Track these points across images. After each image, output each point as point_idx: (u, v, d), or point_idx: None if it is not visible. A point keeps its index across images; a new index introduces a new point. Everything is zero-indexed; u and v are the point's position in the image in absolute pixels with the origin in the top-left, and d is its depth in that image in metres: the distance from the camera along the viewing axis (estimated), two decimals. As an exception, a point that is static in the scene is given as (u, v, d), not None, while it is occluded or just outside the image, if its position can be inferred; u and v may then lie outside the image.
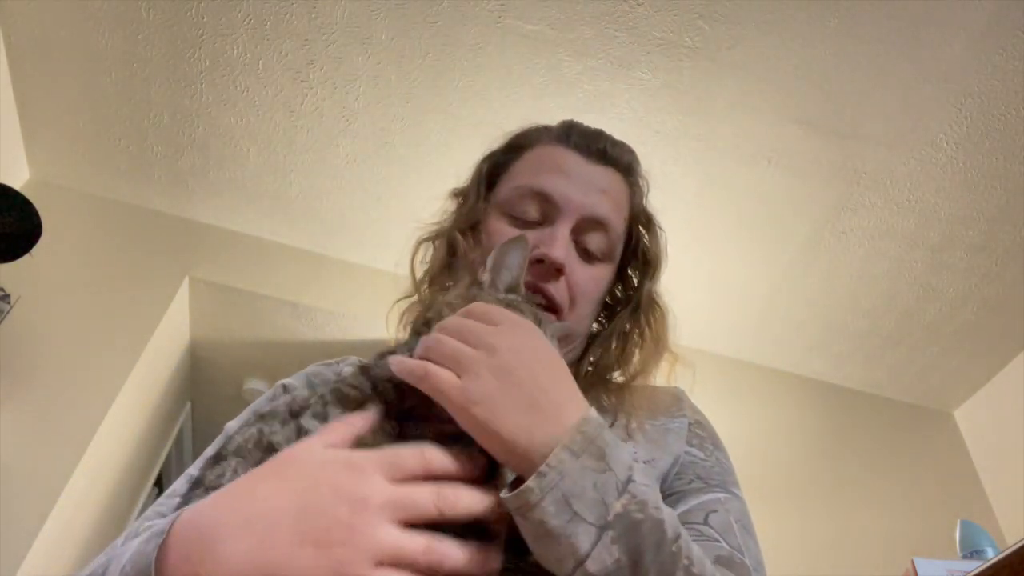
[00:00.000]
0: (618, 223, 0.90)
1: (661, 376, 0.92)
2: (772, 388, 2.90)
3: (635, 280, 0.96)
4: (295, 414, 0.62)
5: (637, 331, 0.91)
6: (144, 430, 2.69)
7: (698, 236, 2.54)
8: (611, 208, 0.89)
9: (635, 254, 0.96)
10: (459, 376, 0.57)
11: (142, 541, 0.54)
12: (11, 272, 2.16)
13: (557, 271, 0.82)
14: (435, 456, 0.58)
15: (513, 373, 0.58)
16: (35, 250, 2.08)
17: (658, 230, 0.98)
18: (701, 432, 0.85)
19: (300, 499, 0.53)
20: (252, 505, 0.53)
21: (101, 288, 2.45)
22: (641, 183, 0.98)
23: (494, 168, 0.96)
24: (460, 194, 0.97)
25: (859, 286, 2.62)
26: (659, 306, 0.93)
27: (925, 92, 2.08)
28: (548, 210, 0.86)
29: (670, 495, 0.76)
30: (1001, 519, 2.64)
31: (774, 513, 2.37)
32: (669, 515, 0.58)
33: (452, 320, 0.62)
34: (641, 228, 0.97)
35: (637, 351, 0.90)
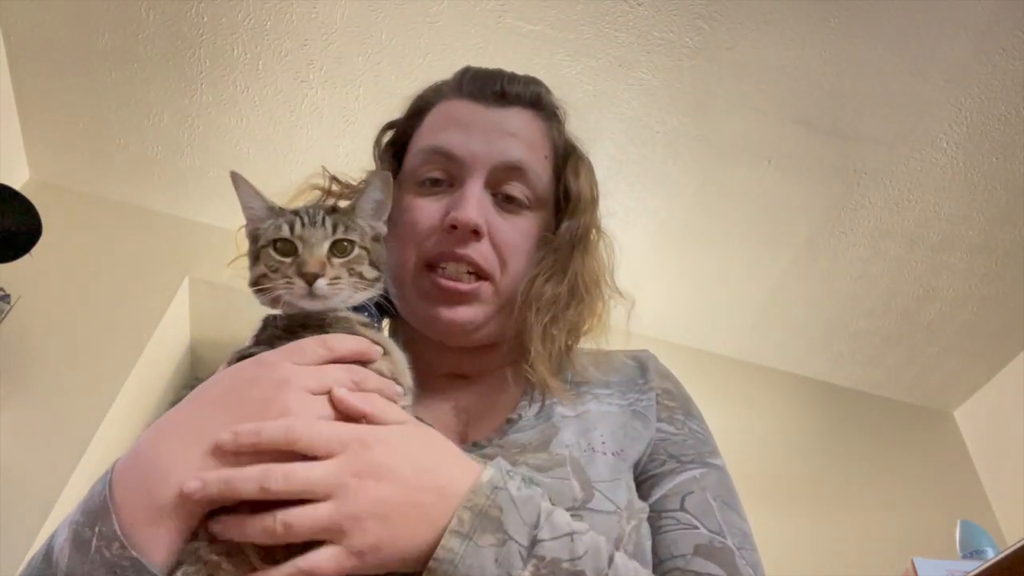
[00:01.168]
0: (537, 164, 0.82)
1: (600, 321, 0.84)
2: (772, 388, 2.90)
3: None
4: None
5: (561, 273, 0.80)
6: (144, 430, 2.69)
7: (698, 236, 2.54)
8: (524, 150, 0.82)
9: (563, 194, 0.86)
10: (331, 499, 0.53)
11: (88, 490, 0.57)
12: (11, 272, 2.15)
13: (474, 233, 0.76)
14: (337, 339, 0.62)
15: (384, 502, 0.53)
16: (35, 250, 2.08)
17: (579, 160, 0.88)
18: (670, 402, 0.81)
19: (225, 399, 0.57)
20: (183, 421, 0.57)
21: (101, 288, 2.45)
22: (558, 113, 0.90)
23: (399, 137, 0.90)
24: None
25: (859, 286, 2.62)
26: (587, 242, 0.83)
27: (925, 92, 2.08)
28: (455, 170, 0.80)
29: (645, 480, 0.73)
30: (1001, 519, 2.64)
31: (774, 513, 2.37)
32: (591, 558, 0.55)
33: (315, 432, 0.55)
34: (565, 162, 0.87)
35: (561, 293, 0.79)
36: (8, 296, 2.22)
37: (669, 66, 2.10)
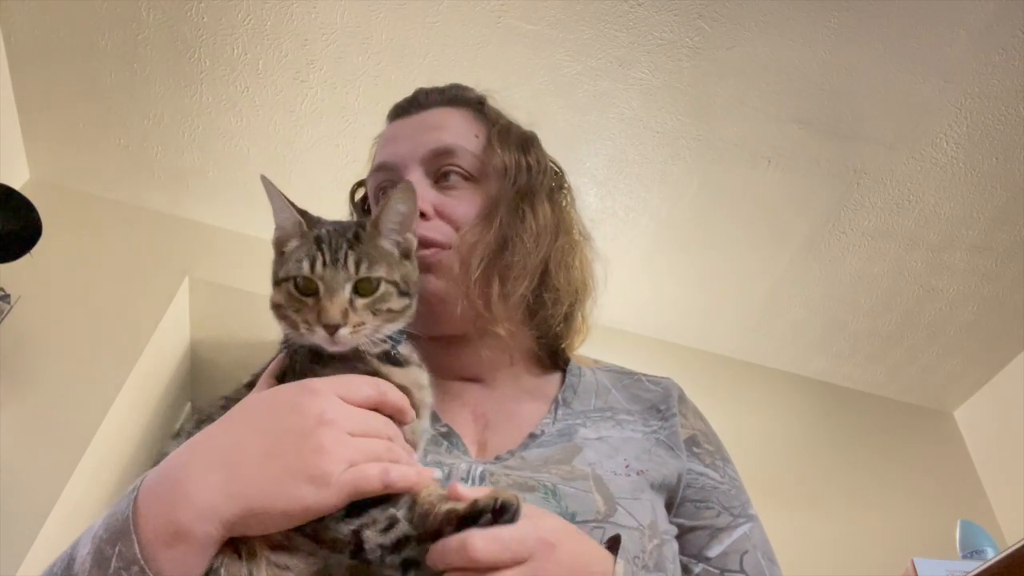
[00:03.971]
0: (467, 143, 0.87)
1: (563, 268, 0.86)
2: (772, 388, 2.90)
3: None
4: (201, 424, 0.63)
5: (486, 224, 0.83)
6: (144, 430, 2.69)
7: (698, 236, 2.54)
8: (451, 135, 0.87)
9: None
10: None
11: (113, 505, 0.56)
12: (11, 272, 2.15)
13: (421, 216, 0.80)
14: (389, 387, 0.62)
15: None
16: (35, 250, 2.08)
17: (497, 132, 0.91)
18: (709, 447, 0.84)
19: (262, 424, 0.56)
20: (215, 442, 0.56)
21: (101, 288, 2.45)
22: (478, 102, 0.95)
23: (367, 189, 0.96)
24: None
25: (859, 286, 2.62)
26: (513, 199, 0.86)
27: (925, 92, 2.08)
28: (394, 176, 0.86)
29: (700, 528, 0.77)
30: (1001, 519, 2.64)
31: (773, 513, 2.36)
32: None
33: None
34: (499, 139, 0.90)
35: (487, 240, 0.81)
36: (8, 296, 2.22)
37: (669, 66, 2.10)
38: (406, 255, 0.71)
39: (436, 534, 0.54)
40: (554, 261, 0.86)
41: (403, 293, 0.67)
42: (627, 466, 0.75)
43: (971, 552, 1.68)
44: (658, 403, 0.85)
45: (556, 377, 0.89)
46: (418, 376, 0.68)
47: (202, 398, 3.17)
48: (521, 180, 0.87)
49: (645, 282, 2.61)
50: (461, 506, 0.54)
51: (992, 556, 1.11)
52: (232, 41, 2.18)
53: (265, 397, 0.60)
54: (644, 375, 0.91)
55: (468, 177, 0.86)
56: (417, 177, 0.83)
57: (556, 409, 0.82)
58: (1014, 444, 2.65)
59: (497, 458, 0.75)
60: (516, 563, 0.53)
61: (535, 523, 0.56)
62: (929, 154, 2.23)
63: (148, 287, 2.51)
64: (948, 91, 2.07)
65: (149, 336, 2.41)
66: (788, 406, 2.88)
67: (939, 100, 2.10)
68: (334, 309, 0.62)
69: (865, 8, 1.92)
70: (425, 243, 0.79)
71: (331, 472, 0.53)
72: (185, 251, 2.62)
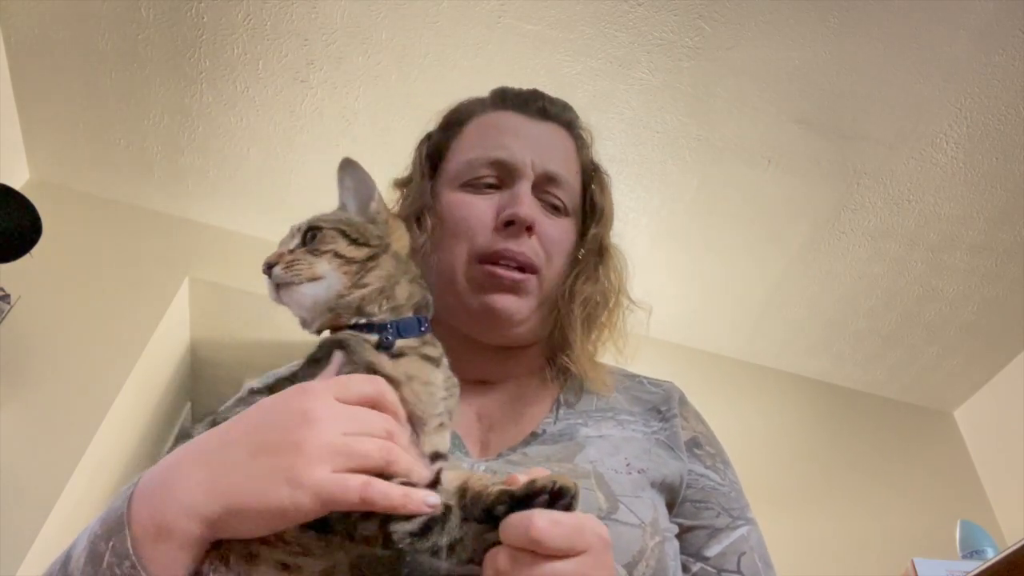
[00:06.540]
0: (571, 177, 0.89)
1: (620, 326, 0.91)
2: (772, 388, 2.90)
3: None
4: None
5: (595, 276, 0.88)
6: (144, 430, 2.69)
7: (698, 236, 2.54)
8: (562, 163, 0.89)
9: (589, 206, 0.93)
10: None
11: (112, 501, 0.56)
12: (11, 272, 2.15)
13: (528, 229, 0.81)
14: (386, 387, 0.59)
15: None
16: (35, 250, 2.08)
17: (604, 177, 0.96)
18: (710, 449, 0.84)
19: (252, 422, 0.56)
20: (208, 443, 0.56)
21: (101, 288, 2.45)
22: (584, 135, 0.97)
23: (435, 148, 0.95)
24: (403, 183, 0.95)
25: (859, 286, 2.62)
26: (610, 253, 0.91)
27: (925, 92, 2.08)
28: (504, 174, 0.85)
29: (699, 527, 0.77)
30: (1001, 519, 2.64)
31: (774, 513, 2.36)
32: None
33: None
34: (591, 179, 0.95)
35: (596, 295, 0.86)
36: (8, 296, 2.22)
37: (669, 66, 2.10)
38: (372, 220, 0.73)
39: (487, 514, 0.53)
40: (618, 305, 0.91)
41: (355, 241, 0.67)
42: (628, 464, 0.75)
43: (971, 552, 1.68)
44: (659, 405, 0.86)
45: (559, 378, 0.90)
46: (411, 367, 0.64)
47: (202, 398, 3.17)
48: (605, 227, 0.91)
49: (645, 282, 2.60)
50: (517, 486, 0.53)
51: (992, 556, 1.11)
52: (232, 41, 2.18)
53: (263, 400, 0.59)
54: (645, 378, 0.92)
55: (564, 208, 0.88)
56: (526, 189, 0.84)
57: (557, 409, 0.83)
58: (1014, 444, 2.65)
59: (499, 455, 0.75)
60: (575, 553, 0.51)
61: (590, 517, 0.55)
62: (929, 154, 2.23)
63: (148, 287, 2.51)
64: (948, 91, 2.07)
65: (149, 336, 2.42)
66: (788, 406, 2.88)
67: (939, 100, 2.10)
68: (273, 255, 0.66)
69: (865, 8, 1.92)
70: (523, 264, 0.81)
71: (307, 473, 0.52)
72: (185, 251, 2.62)
